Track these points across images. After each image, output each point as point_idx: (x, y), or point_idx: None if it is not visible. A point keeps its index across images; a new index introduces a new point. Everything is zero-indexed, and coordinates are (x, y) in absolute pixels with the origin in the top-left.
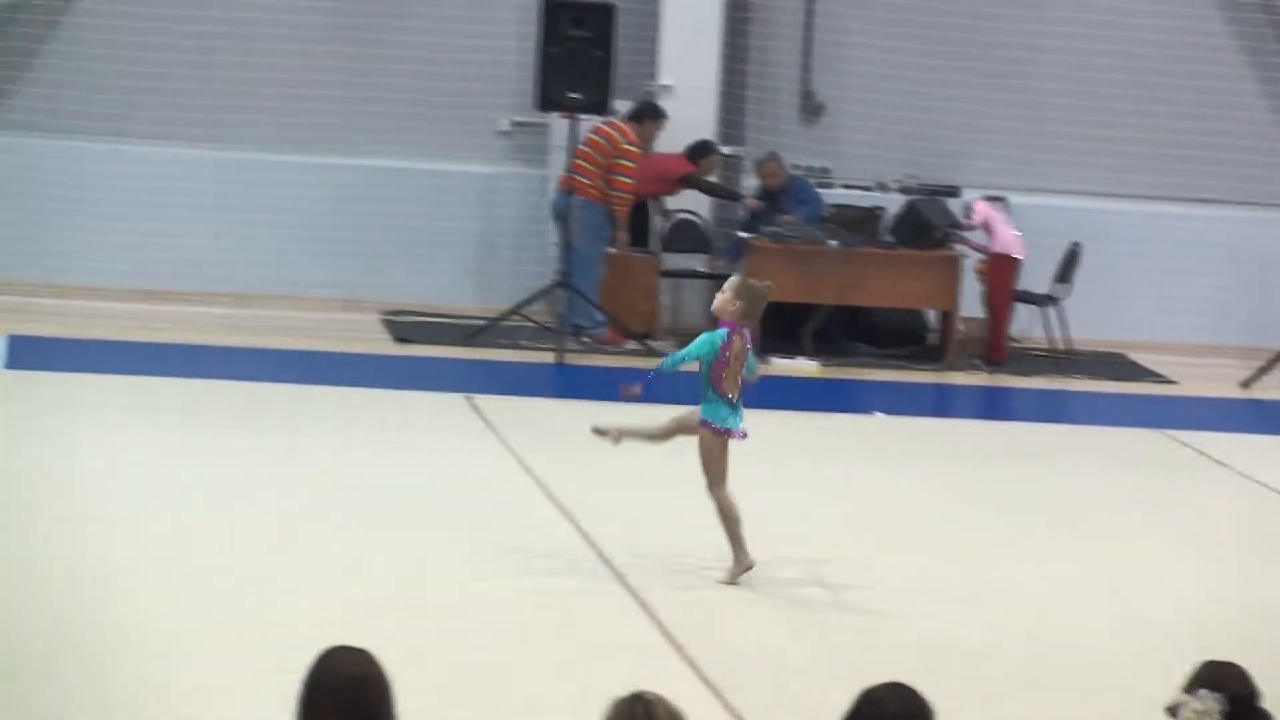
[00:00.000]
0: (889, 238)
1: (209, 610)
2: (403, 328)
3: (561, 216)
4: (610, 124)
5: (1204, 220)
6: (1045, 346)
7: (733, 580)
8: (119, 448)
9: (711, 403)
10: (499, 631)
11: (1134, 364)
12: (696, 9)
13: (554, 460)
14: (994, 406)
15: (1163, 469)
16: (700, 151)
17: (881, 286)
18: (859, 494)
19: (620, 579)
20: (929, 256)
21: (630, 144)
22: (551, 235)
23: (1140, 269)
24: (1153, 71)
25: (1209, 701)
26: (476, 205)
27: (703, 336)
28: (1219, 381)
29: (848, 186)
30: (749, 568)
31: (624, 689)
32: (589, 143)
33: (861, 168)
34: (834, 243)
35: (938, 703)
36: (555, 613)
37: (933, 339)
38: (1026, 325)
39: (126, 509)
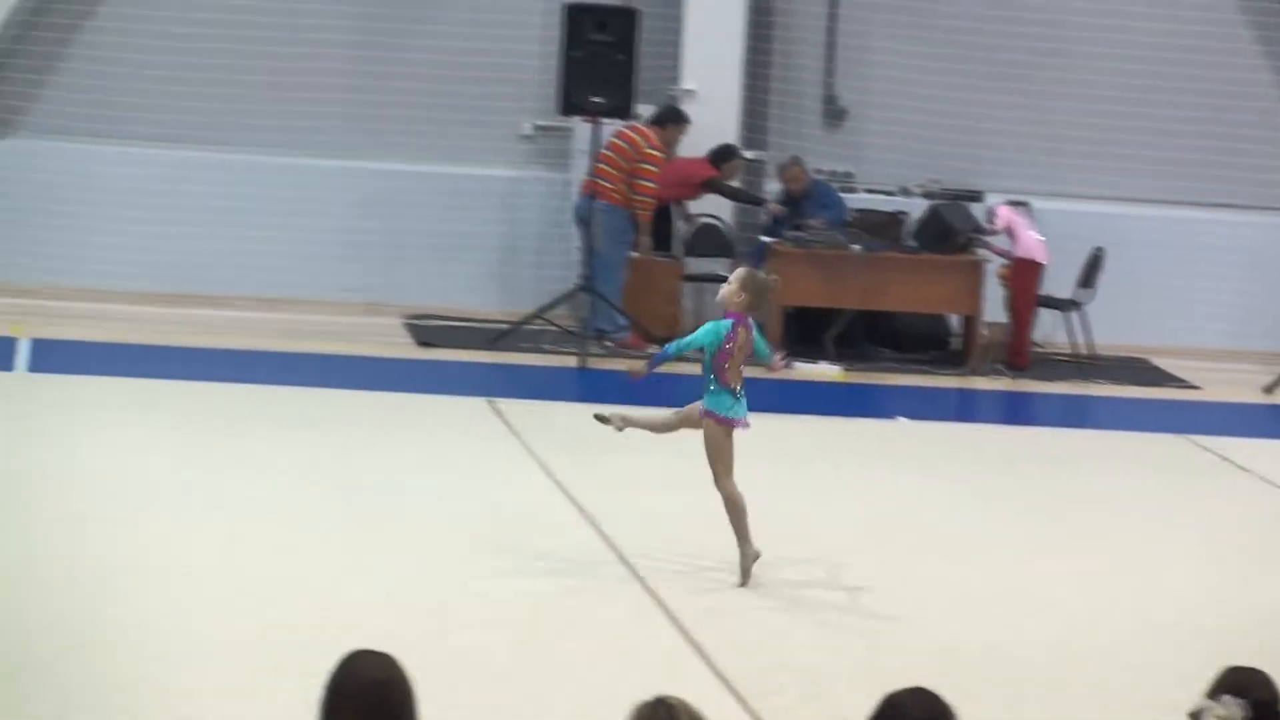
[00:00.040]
0: (912, 242)
1: (227, 612)
2: (425, 331)
3: (584, 221)
4: (633, 128)
5: (1227, 225)
6: (1068, 351)
7: (745, 576)
8: (137, 450)
9: (714, 393)
10: (520, 635)
11: (1156, 369)
12: (719, 13)
13: (576, 464)
14: (1016, 411)
15: (1185, 474)
16: (723, 156)
17: (904, 291)
18: (881, 499)
19: (642, 582)
20: (952, 261)
21: (653, 148)
22: (574, 239)
23: (1163, 274)
24: (1176, 76)
25: (1232, 707)
26: (499, 209)
27: (707, 325)
28: (1241, 387)
29: (870, 191)
30: (755, 558)
31: (647, 693)
32: (612, 147)
33: (884, 172)
34: (857, 247)
35: (960, 707)
36: (577, 616)
37: (955, 344)
38: (1049, 330)
39: (142, 511)
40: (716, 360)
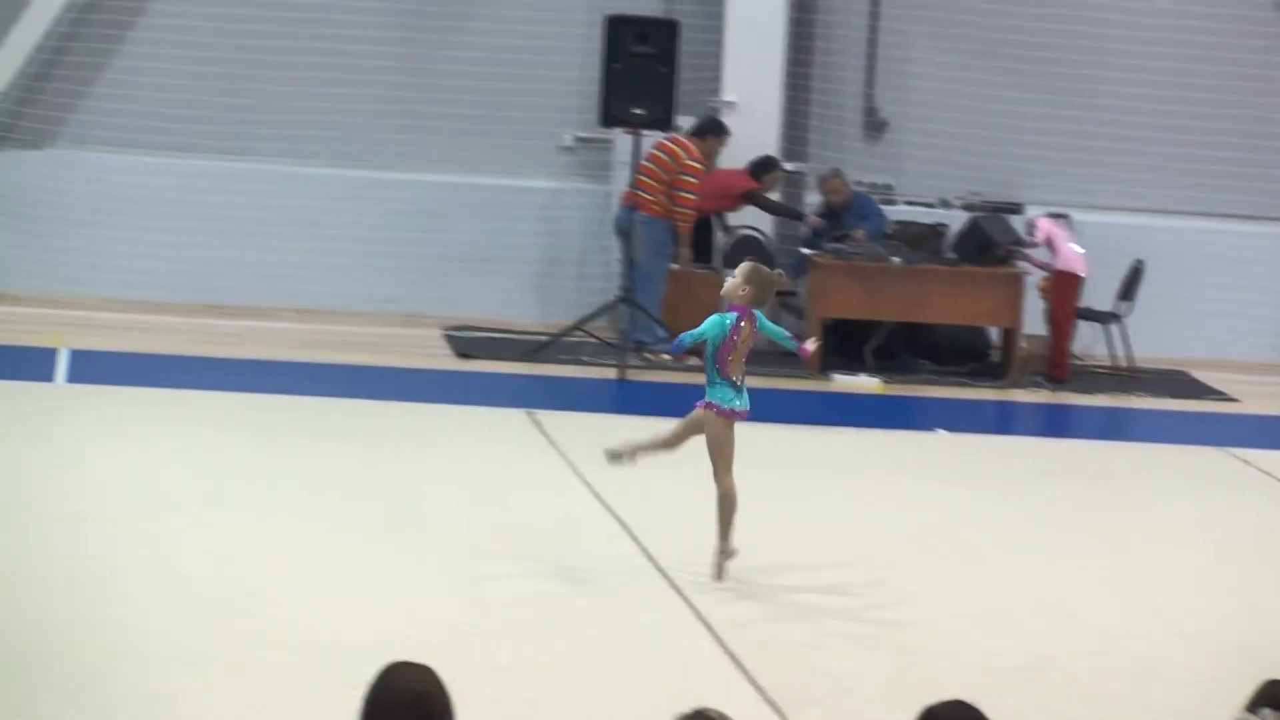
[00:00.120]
0: (952, 254)
1: (259, 619)
2: (465, 343)
3: (624, 232)
4: (673, 140)
5: (1267, 238)
6: (1108, 364)
7: (720, 572)
8: (172, 460)
9: (716, 385)
10: (559, 648)
11: (1196, 381)
12: (760, 25)
13: (614, 475)
14: (1055, 424)
15: (1225, 487)
16: (763, 167)
17: (944, 303)
18: (919, 510)
19: (679, 593)
20: (991, 273)
21: (693, 160)
22: (614, 251)
23: (1203, 287)
24: (1216, 89)
25: None
26: (539, 221)
27: (713, 317)
28: None
29: (910, 203)
30: (732, 556)
31: (685, 704)
32: (652, 158)
33: (924, 184)
34: (897, 259)
35: None
36: (615, 627)
37: (995, 356)
38: (1089, 342)
39: (173, 518)
40: (720, 352)
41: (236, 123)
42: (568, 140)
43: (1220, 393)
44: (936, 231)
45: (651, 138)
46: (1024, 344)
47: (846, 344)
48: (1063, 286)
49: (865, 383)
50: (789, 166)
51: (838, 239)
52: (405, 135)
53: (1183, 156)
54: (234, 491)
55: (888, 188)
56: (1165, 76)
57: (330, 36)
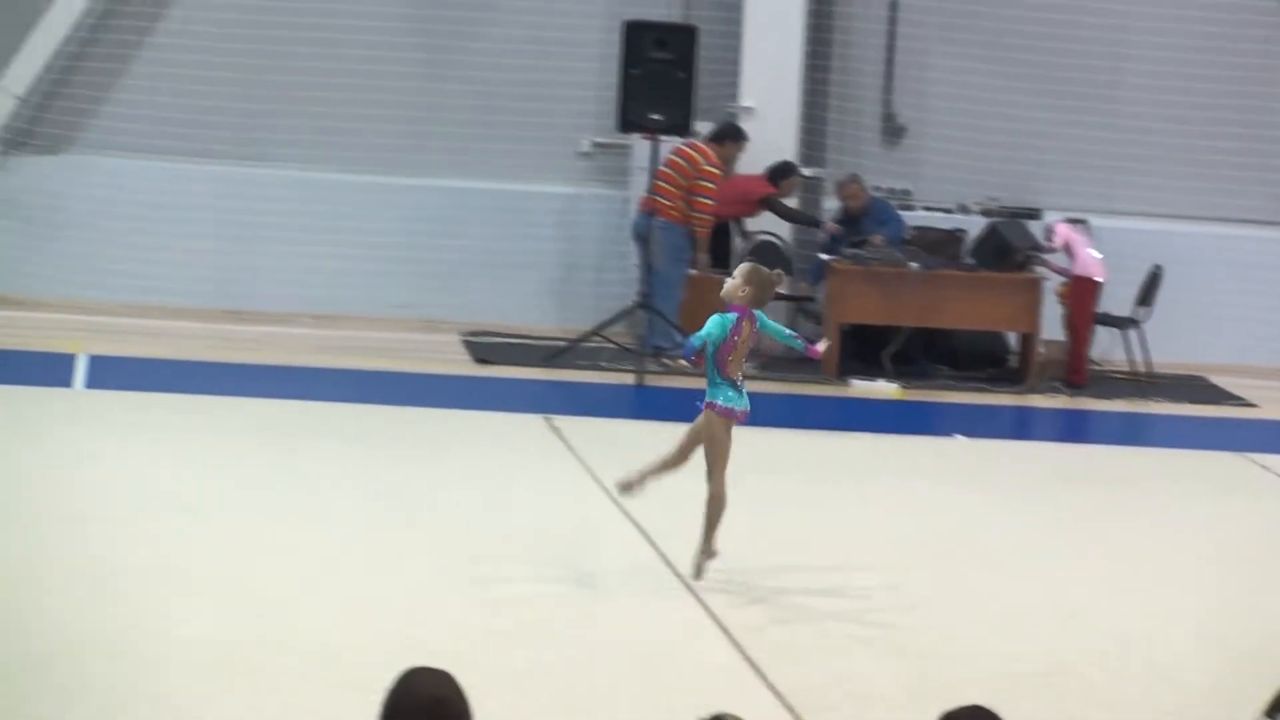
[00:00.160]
0: (970, 260)
1: (276, 623)
2: (483, 348)
3: (642, 238)
4: (691, 145)
5: None
6: (1126, 369)
7: (699, 571)
8: (190, 465)
9: (716, 385)
10: (577, 653)
11: (1215, 387)
12: (778, 31)
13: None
14: (1074, 429)
15: (1243, 492)
16: (781, 173)
17: (962, 309)
18: (938, 516)
19: (699, 600)
20: (1010, 279)
21: (711, 165)
22: (632, 256)
23: (1221, 292)
24: (1233, 94)
25: None
26: (557, 226)
27: (714, 318)
28: None
29: (929, 209)
30: (712, 557)
31: (703, 709)
32: (670, 164)
33: (942, 190)
34: (915, 265)
35: None
36: (634, 634)
37: (1013, 362)
38: (1107, 348)
39: (190, 523)
40: (720, 353)
41: (254, 128)
42: (586, 146)
43: (1238, 398)
44: (955, 237)
45: (670, 143)
46: (1042, 349)
47: (865, 349)
48: (1081, 292)
49: (883, 388)
50: (807, 172)
51: (856, 244)
52: (423, 141)
53: (1201, 162)
54: (251, 496)
55: (906, 193)
56: (1185, 82)
57: (348, 42)
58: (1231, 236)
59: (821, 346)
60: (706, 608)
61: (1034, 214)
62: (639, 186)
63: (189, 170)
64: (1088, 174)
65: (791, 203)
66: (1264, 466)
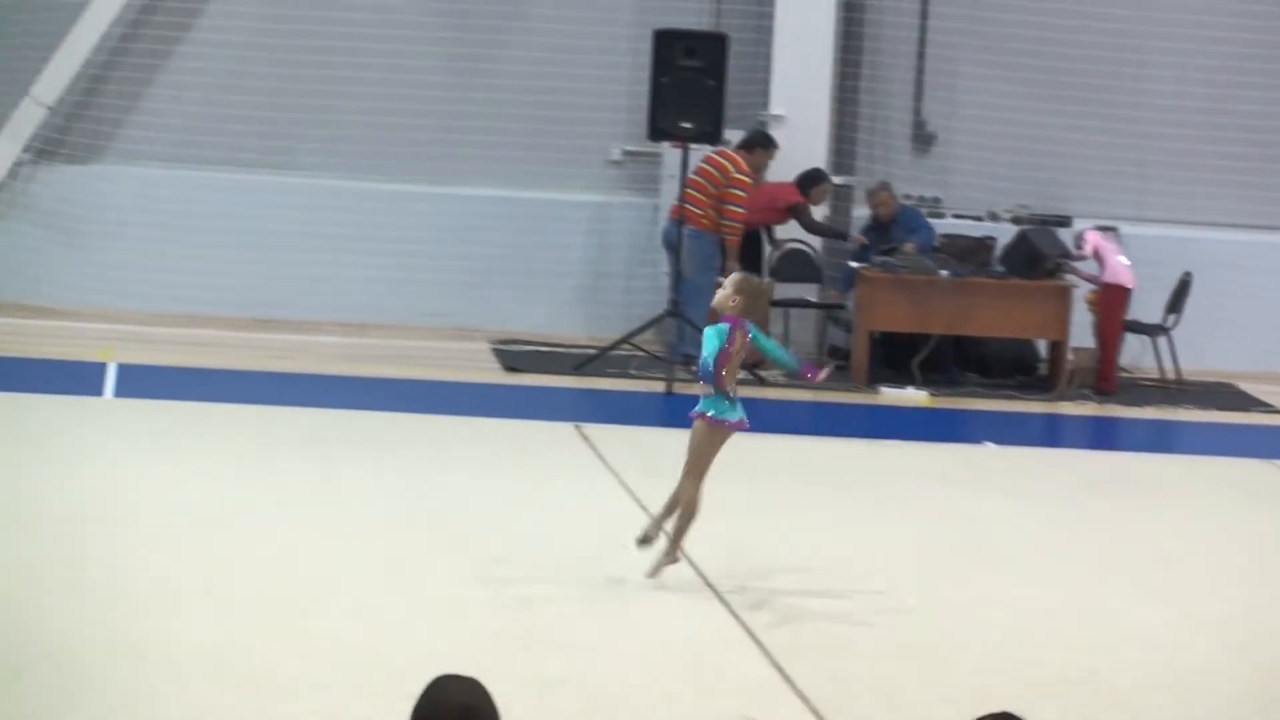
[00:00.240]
0: (1000, 267)
1: (307, 633)
2: (512, 356)
3: (672, 246)
4: (722, 153)
5: None
6: (1155, 376)
7: (655, 571)
8: (218, 474)
9: (710, 397)
10: (606, 661)
11: (1244, 394)
12: (809, 39)
13: (662, 489)
14: (1103, 436)
15: (1272, 500)
16: (811, 180)
17: (992, 316)
18: (967, 523)
19: (728, 607)
20: (1040, 286)
21: (741, 173)
22: (662, 264)
23: (1250, 299)
24: (1263, 100)
25: None
26: (588, 234)
27: (709, 333)
28: None
29: (959, 216)
30: (673, 563)
31: (730, 715)
32: (700, 172)
33: (972, 198)
34: (945, 273)
35: None
36: (663, 641)
37: (1043, 369)
38: (1137, 355)
39: (217, 532)
40: (715, 365)
41: (284, 137)
42: (616, 154)
43: (1268, 405)
44: (984, 244)
45: (700, 151)
46: (1072, 357)
47: (894, 357)
48: (1110, 299)
49: (913, 396)
50: (837, 180)
51: (886, 252)
52: (454, 149)
53: (1230, 169)
54: (278, 504)
55: (936, 201)
56: (1212, 89)
57: (379, 51)
58: (1261, 244)
59: (822, 374)
60: (735, 614)
61: (1064, 221)
62: (669, 194)
63: (218, 179)
64: (1117, 181)
65: (822, 210)
66: None
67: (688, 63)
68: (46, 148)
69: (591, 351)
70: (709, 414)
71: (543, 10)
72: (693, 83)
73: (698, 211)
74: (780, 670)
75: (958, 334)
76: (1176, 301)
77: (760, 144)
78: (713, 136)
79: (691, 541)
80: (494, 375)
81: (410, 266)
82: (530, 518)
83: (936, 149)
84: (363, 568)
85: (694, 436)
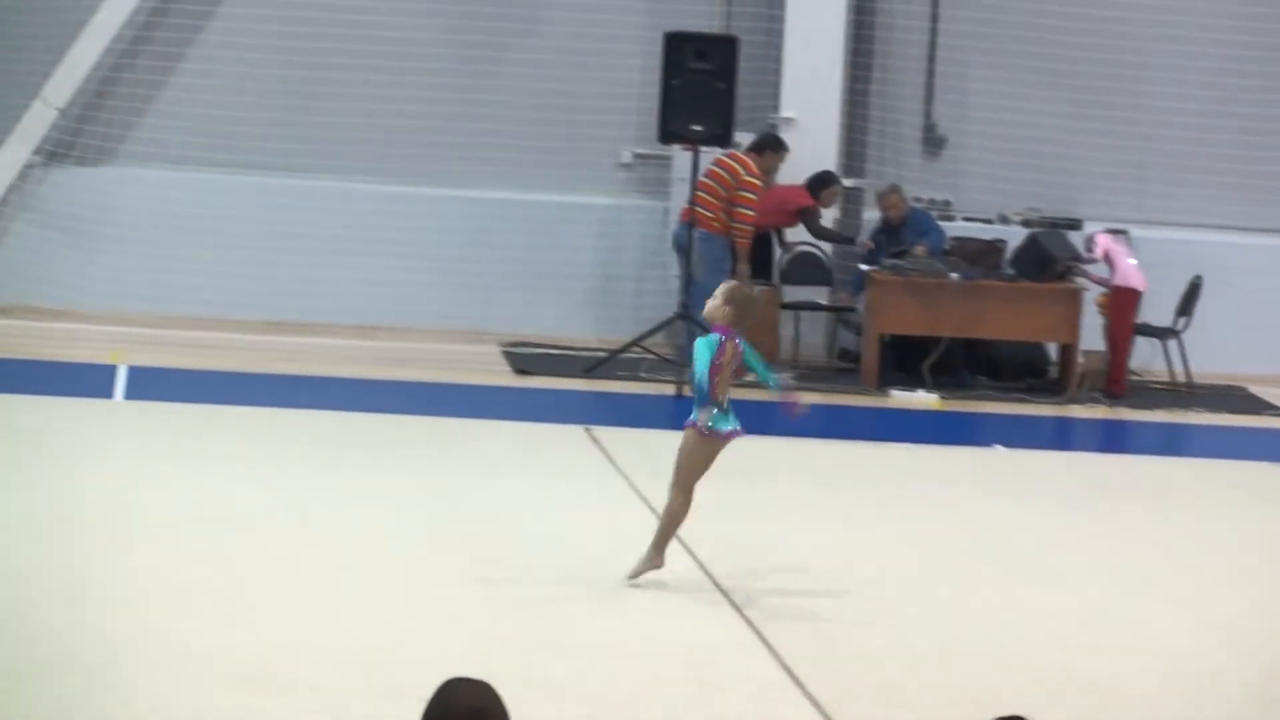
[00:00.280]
0: (1010, 270)
1: (316, 635)
2: (523, 359)
3: (683, 248)
4: (732, 156)
5: None
6: (1166, 379)
7: (635, 574)
8: (228, 476)
9: (702, 406)
10: (615, 663)
11: (1254, 397)
12: (819, 42)
13: None
14: (1114, 440)
15: None
16: (822, 183)
17: (1002, 319)
18: (978, 527)
19: (739, 611)
20: (1050, 289)
21: (752, 176)
22: (672, 267)
23: (1260, 301)
24: (1273, 104)
25: None
26: (598, 237)
27: (700, 346)
28: None
29: (969, 219)
30: (657, 568)
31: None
32: (711, 175)
33: (983, 200)
34: (955, 275)
35: None
36: (672, 643)
37: (1053, 372)
38: (1147, 358)
39: (225, 534)
40: (707, 374)
41: (295, 140)
42: (626, 157)
43: (1278, 408)
44: (995, 247)
45: (710, 154)
46: (1082, 359)
47: (904, 360)
48: (1121, 302)
49: (923, 398)
50: (848, 182)
51: (896, 255)
52: (465, 152)
53: (1241, 172)
54: (289, 506)
55: (946, 204)
56: (1225, 93)
57: (390, 54)
58: (1273, 247)
59: (796, 409)
60: (744, 616)
61: (1074, 224)
62: (679, 197)
63: (229, 181)
64: (1128, 184)
65: (832, 213)
66: None
67: (698, 65)
68: (57, 150)
69: (602, 354)
70: (702, 425)
71: (553, 13)
72: (703, 85)
73: (708, 214)
74: (789, 672)
75: (968, 337)
76: (1187, 305)
77: (771, 147)
78: (723, 139)
79: (701, 543)
80: (504, 378)
81: (420, 269)
82: (540, 520)
83: (947, 152)
84: (371, 569)
85: (684, 445)
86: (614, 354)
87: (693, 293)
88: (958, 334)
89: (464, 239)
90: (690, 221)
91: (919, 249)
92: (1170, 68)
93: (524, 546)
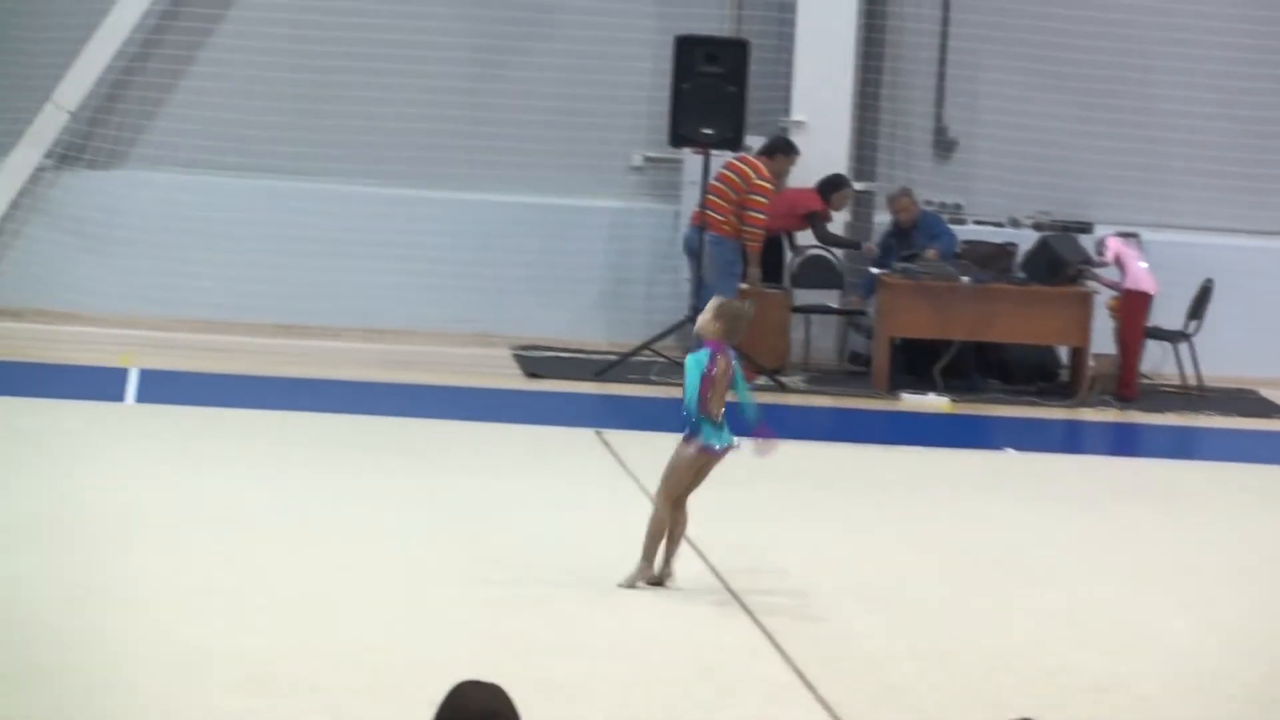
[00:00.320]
0: (1021, 274)
1: (326, 638)
2: (533, 362)
3: (694, 252)
4: (743, 159)
5: None
6: (1177, 383)
7: (630, 582)
8: (239, 479)
9: (696, 421)
10: (627, 666)
11: (1266, 400)
12: (830, 45)
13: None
14: (1125, 443)
15: None
16: (832, 186)
17: (1013, 322)
18: (989, 530)
19: (750, 613)
20: (1061, 293)
21: (763, 179)
22: (683, 270)
23: (1272, 305)
24: None
25: None
26: (609, 240)
27: (689, 363)
28: None
29: (980, 222)
30: (645, 578)
31: None
32: (721, 178)
33: (994, 204)
34: (966, 279)
35: None
36: (685, 647)
37: (1064, 375)
38: (1158, 361)
39: (235, 537)
40: (699, 390)
41: (305, 143)
42: (637, 160)
43: None
44: (1006, 251)
45: (721, 157)
46: (1093, 363)
47: (915, 363)
48: (1132, 305)
49: (934, 402)
50: (858, 185)
51: (907, 258)
52: (475, 155)
53: (1253, 176)
54: (298, 510)
55: (957, 207)
56: (1236, 95)
57: (401, 58)
58: None
59: (768, 450)
60: (755, 619)
61: (1085, 228)
62: (690, 201)
63: (240, 185)
64: (1139, 188)
65: (844, 216)
66: None
67: (709, 69)
68: (68, 153)
69: (612, 357)
70: (697, 441)
71: (565, 17)
72: (714, 89)
73: (719, 218)
74: (800, 675)
75: (979, 340)
76: (1198, 308)
77: (781, 150)
78: (734, 143)
79: (711, 546)
80: (515, 381)
81: (431, 272)
82: (550, 523)
83: (958, 155)
84: (381, 571)
85: (675, 457)
86: (625, 357)
87: (703, 296)
88: (969, 337)
89: (475, 242)
90: (701, 225)
91: (930, 252)
92: (1178, 70)
93: (533, 548)
